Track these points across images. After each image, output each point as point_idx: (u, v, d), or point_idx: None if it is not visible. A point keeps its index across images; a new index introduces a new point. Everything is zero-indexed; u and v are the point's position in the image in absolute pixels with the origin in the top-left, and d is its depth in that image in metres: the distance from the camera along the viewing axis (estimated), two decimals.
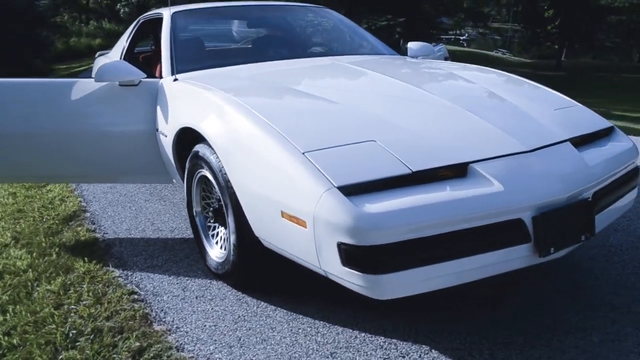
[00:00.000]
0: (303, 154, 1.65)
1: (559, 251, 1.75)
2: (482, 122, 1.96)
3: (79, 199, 3.49)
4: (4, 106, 2.57)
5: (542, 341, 1.86)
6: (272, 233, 1.80)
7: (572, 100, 2.44)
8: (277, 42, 3.38)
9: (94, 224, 3.08)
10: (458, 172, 1.70)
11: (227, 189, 1.97)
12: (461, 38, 32.41)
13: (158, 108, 2.56)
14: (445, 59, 4.52)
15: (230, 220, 2.03)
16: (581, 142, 2.08)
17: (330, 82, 2.54)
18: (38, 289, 2.40)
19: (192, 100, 2.32)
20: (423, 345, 1.85)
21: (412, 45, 3.56)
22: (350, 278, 1.56)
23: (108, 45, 22.77)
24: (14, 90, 2.63)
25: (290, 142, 1.71)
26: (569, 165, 1.84)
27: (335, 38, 3.64)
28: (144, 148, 2.65)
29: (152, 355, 1.86)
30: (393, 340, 1.89)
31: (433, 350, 1.82)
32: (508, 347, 1.83)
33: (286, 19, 3.56)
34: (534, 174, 1.74)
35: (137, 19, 3.82)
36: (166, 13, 3.12)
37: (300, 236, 1.64)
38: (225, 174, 1.97)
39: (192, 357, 1.85)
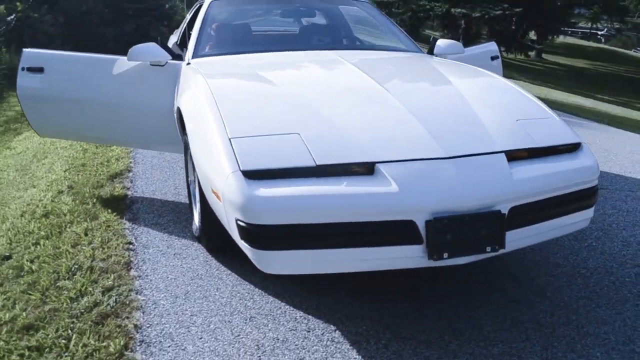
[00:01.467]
0: (229, 139, 1.92)
1: (455, 257, 1.84)
2: (417, 125, 2.05)
3: (130, 160, 4.07)
4: (69, 76, 3.12)
5: (442, 343, 1.97)
6: (212, 204, 2.11)
7: (548, 112, 2.39)
8: (297, 33, 3.62)
9: (131, 182, 3.61)
10: (366, 169, 1.85)
11: (192, 161, 2.31)
12: (599, 33, 29.67)
13: (175, 88, 2.95)
14: (492, 58, 4.39)
15: (197, 189, 2.36)
16: (527, 155, 2.08)
17: (305, 76, 2.70)
18: (67, 229, 2.95)
19: (185, 82, 2.68)
20: (331, 325, 2.06)
21: (440, 42, 3.59)
22: (245, 250, 1.82)
23: None
24: (76, 63, 3.18)
25: (225, 127, 1.98)
26: (485, 177, 1.88)
27: (359, 32, 3.79)
28: (166, 122, 3.07)
29: (116, 293, 2.28)
30: (309, 316, 2.12)
31: (336, 331, 2.03)
32: (405, 341, 1.97)
33: (317, 11, 3.76)
34: (439, 180, 1.82)
35: (197, 3, 4.26)
36: (206, 1, 3.50)
37: (220, 210, 1.92)
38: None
39: (144, 299, 2.24)
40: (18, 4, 10.64)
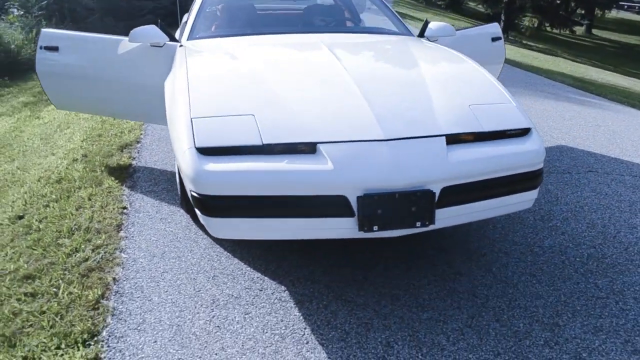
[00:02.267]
0: (191, 119, 2.15)
1: (385, 230, 2.03)
2: (366, 108, 2.21)
3: (141, 132, 4.39)
4: (79, 55, 3.42)
5: (377, 306, 2.19)
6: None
7: (506, 97, 2.49)
8: (290, 16, 3.78)
9: (137, 152, 3.93)
10: (309, 149, 2.05)
11: None
12: None
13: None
14: (493, 39, 4.39)
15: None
16: (472, 139, 2.22)
17: (279, 59, 2.84)
18: (75, 194, 3.29)
19: (173, 63, 2.91)
20: (282, 286, 2.31)
21: (431, 25, 3.68)
22: (199, 216, 2.08)
23: None
24: (86, 43, 3.47)
25: (190, 107, 2.22)
26: (418, 158, 2.04)
27: (348, 15, 3.91)
28: (163, 98, 3.33)
29: (103, 250, 2.59)
30: (265, 277, 2.38)
31: (285, 292, 2.27)
32: (345, 303, 2.20)
33: None
34: (372, 160, 2.00)
35: None
36: None
37: (182, 182, 2.18)
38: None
39: (126, 257, 2.54)
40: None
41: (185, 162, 2.01)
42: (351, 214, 2.00)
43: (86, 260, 2.53)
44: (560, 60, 13.13)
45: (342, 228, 2.03)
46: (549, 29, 20.11)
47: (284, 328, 2.06)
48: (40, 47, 3.47)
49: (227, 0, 3.77)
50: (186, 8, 5.12)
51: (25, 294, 2.31)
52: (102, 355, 1.92)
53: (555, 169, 3.78)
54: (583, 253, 2.66)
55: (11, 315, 2.15)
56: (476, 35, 4.13)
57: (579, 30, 22.63)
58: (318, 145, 2.05)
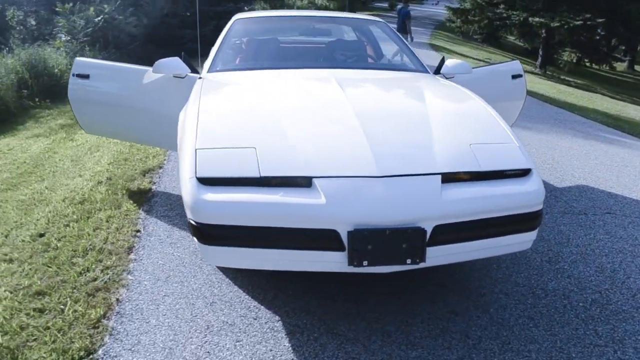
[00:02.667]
0: (195, 149, 2.26)
1: (375, 266, 2.06)
2: (364, 143, 2.26)
3: (164, 158, 4.57)
4: (108, 83, 3.63)
5: (367, 342, 2.21)
6: None
7: (509, 137, 2.49)
8: (309, 51, 3.90)
9: (158, 178, 4.09)
10: (305, 182, 2.11)
11: None
12: None
13: None
14: (514, 77, 4.41)
15: None
16: (469, 178, 2.24)
17: (289, 94, 2.93)
18: (95, 215, 3.45)
19: (190, 94, 3.05)
20: (276, 316, 2.36)
21: (448, 62, 3.75)
22: (196, 244, 2.16)
23: None
24: (114, 72, 3.68)
25: (197, 138, 2.32)
26: (411, 196, 2.07)
27: (366, 51, 4.01)
28: None
29: (112, 272, 2.71)
30: (261, 306, 2.44)
31: (279, 322, 2.32)
32: (335, 336, 2.23)
33: (334, 31, 4.03)
34: (365, 196, 2.05)
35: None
36: (233, 18, 3.88)
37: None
38: None
39: (132, 279, 2.65)
40: (105, 6, 11.73)
41: (186, 190, 2.11)
42: (341, 248, 2.04)
43: (95, 280, 2.65)
44: (598, 96, 12.88)
45: (332, 262, 2.07)
46: (588, 64, 19.80)
47: (271, 358, 2.09)
48: (73, 75, 3.70)
49: (251, 34, 3.93)
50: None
51: (34, 309, 2.43)
52: None
53: (570, 210, 3.72)
54: (587, 298, 2.60)
55: (18, 329, 2.27)
56: (496, 72, 4.16)
57: (621, 66, 22.19)
58: (313, 179, 2.11)
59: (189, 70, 3.43)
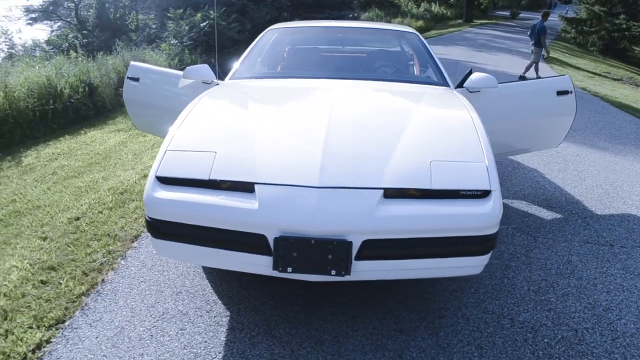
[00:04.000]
0: (166, 150, 2.48)
1: (299, 273, 2.13)
2: (319, 154, 2.32)
3: None
4: (152, 86, 4.03)
5: (299, 347, 2.28)
6: None
7: (481, 156, 2.39)
8: (329, 61, 3.97)
9: None
10: (248, 188, 2.23)
11: None
12: None
13: None
14: (559, 93, 4.10)
15: None
16: (419, 195, 2.21)
17: (280, 103, 3.04)
18: (127, 205, 3.86)
19: None
20: (227, 312, 2.51)
21: (472, 76, 3.64)
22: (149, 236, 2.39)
23: (427, 28, 24.41)
24: (157, 76, 4.08)
25: (171, 140, 2.54)
26: (342, 209, 2.10)
27: (390, 63, 3.97)
28: None
29: (111, 256, 3.05)
30: (219, 301, 2.60)
31: (226, 317, 2.47)
32: (271, 338, 2.33)
33: (361, 41, 4.06)
34: (295, 205, 2.12)
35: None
36: (268, 28, 4.11)
37: None
38: None
39: (124, 264, 2.96)
40: (211, 12, 12.66)
41: (146, 188, 2.34)
42: (269, 253, 2.14)
43: (95, 261, 3.00)
44: None
45: (260, 265, 2.18)
46: None
47: (202, 349, 2.26)
48: (127, 77, 4.16)
49: (279, 44, 4.12)
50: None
51: (40, 281, 2.83)
52: (52, 340, 2.31)
53: (596, 240, 3.41)
54: (557, 334, 2.42)
55: (20, 296, 2.67)
56: (542, 89, 3.91)
57: None
58: (255, 185, 2.24)
59: (215, 77, 3.70)
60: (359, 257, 2.12)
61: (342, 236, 2.09)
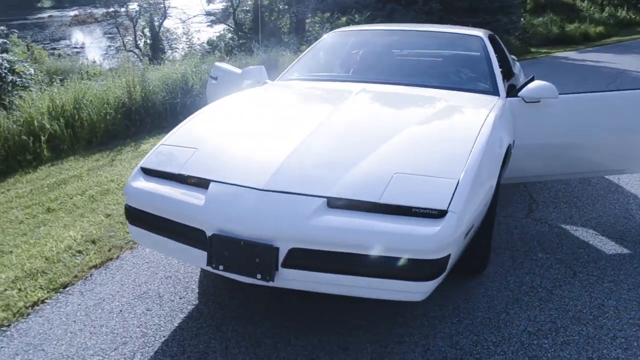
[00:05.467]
0: (160, 144, 2.69)
1: (229, 272, 2.14)
2: (282, 157, 2.32)
3: None
4: (227, 86, 4.36)
5: (248, 346, 2.31)
6: None
7: (456, 173, 2.18)
8: (380, 66, 3.81)
9: None
10: (205, 184, 2.32)
11: None
12: None
13: None
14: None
15: None
16: (366, 208, 2.09)
17: (295, 105, 3.06)
18: None
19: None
20: (198, 308, 2.63)
21: (531, 84, 3.25)
22: None
23: (607, 34, 21.72)
24: (233, 75, 4.39)
25: (171, 135, 2.74)
26: (275, 214, 2.08)
27: (442, 69, 3.66)
28: None
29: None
30: (193, 296, 2.73)
31: (190, 311, 2.59)
32: (224, 340, 2.39)
33: (424, 45, 3.84)
34: (234, 205, 2.14)
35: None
36: (328, 33, 4.15)
37: None
38: None
39: (140, 246, 3.26)
40: (356, 16, 12.95)
41: (130, 177, 2.58)
42: (205, 248, 2.20)
43: (123, 239, 3.35)
44: None
45: (198, 258, 2.25)
46: None
47: (153, 330, 2.41)
48: (210, 76, 4.56)
49: (335, 47, 4.12)
50: None
51: (77, 251, 3.26)
52: (47, 301, 2.68)
53: None
54: None
55: (55, 261, 3.12)
56: (627, 98, 3.32)
57: None
58: (210, 182, 2.32)
59: (267, 78, 3.86)
60: (286, 264, 2.07)
61: (270, 241, 2.07)
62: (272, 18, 15.32)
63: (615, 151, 3.39)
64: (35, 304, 2.66)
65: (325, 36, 4.23)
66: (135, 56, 14.96)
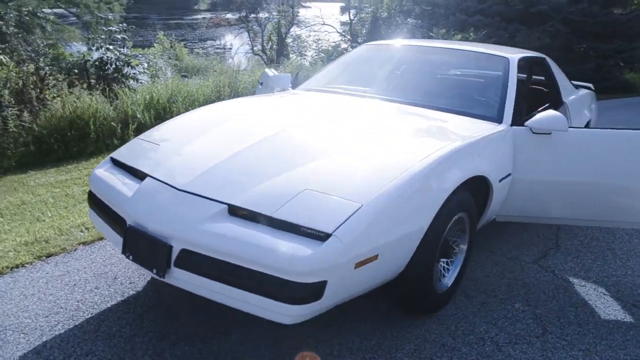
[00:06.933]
0: (137, 138, 2.88)
1: (135, 262, 2.25)
2: (214, 162, 2.40)
3: None
4: (265, 90, 4.54)
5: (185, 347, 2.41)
6: None
7: (365, 199, 2.08)
8: (391, 82, 3.63)
9: None
10: (143, 177, 2.46)
11: None
12: None
13: None
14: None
15: None
16: (261, 220, 2.08)
17: (266, 111, 3.08)
18: None
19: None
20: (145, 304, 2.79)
21: (539, 115, 2.92)
22: None
23: None
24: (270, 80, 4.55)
25: (148, 131, 2.94)
26: (175, 213, 2.16)
27: (457, 90, 3.38)
28: None
29: None
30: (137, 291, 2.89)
31: (149, 314, 2.75)
32: (167, 345, 2.51)
33: (449, 64, 3.62)
34: (149, 201, 2.26)
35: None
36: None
37: None
38: None
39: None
40: (471, 34, 12.44)
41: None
42: (122, 235, 2.34)
43: None
44: None
45: (116, 241, 2.39)
46: None
47: (89, 307, 2.60)
48: (259, 81, 4.78)
49: (361, 62, 4.04)
50: None
51: (85, 227, 3.61)
52: (26, 265, 3.02)
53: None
54: None
55: (64, 233, 3.50)
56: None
57: None
58: (146, 176, 2.46)
59: (289, 86, 3.94)
60: (178, 264, 2.12)
61: (167, 239, 2.14)
62: (389, 31, 15.31)
63: (628, 200, 2.89)
64: (17, 266, 3.01)
65: (358, 48, 4.17)
66: (261, 59, 15.93)
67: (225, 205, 2.15)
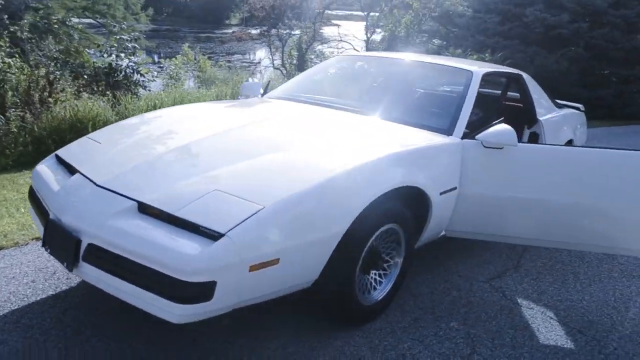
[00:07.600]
0: (85, 137, 2.93)
1: (51, 255, 2.28)
2: (141, 161, 2.44)
3: None
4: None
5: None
6: None
7: (270, 202, 2.07)
8: (353, 93, 3.60)
9: None
10: (73, 173, 2.50)
11: None
12: None
13: None
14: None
15: None
16: (167, 219, 2.08)
17: (213, 117, 3.10)
18: None
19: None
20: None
21: (492, 128, 2.85)
22: None
23: None
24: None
25: (99, 130, 2.99)
26: (86, 208, 2.19)
27: (411, 102, 3.32)
28: None
29: None
30: None
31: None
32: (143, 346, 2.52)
33: (407, 75, 3.59)
34: (68, 195, 2.31)
35: None
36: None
37: None
38: None
39: None
40: (487, 55, 12.32)
41: None
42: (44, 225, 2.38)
43: None
44: None
45: (41, 234, 2.41)
46: None
47: (4, 300, 2.62)
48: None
49: (328, 72, 4.04)
50: None
51: None
52: (4, 249, 3.09)
53: None
54: None
55: (25, 228, 3.57)
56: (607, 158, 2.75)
57: None
58: (77, 172, 2.49)
59: (259, 94, 3.94)
60: (85, 258, 2.13)
61: (77, 233, 2.16)
62: (406, 50, 15.32)
63: (582, 220, 2.77)
64: None
65: (331, 59, 4.18)
66: (281, 73, 16.12)
67: (135, 202, 2.16)
